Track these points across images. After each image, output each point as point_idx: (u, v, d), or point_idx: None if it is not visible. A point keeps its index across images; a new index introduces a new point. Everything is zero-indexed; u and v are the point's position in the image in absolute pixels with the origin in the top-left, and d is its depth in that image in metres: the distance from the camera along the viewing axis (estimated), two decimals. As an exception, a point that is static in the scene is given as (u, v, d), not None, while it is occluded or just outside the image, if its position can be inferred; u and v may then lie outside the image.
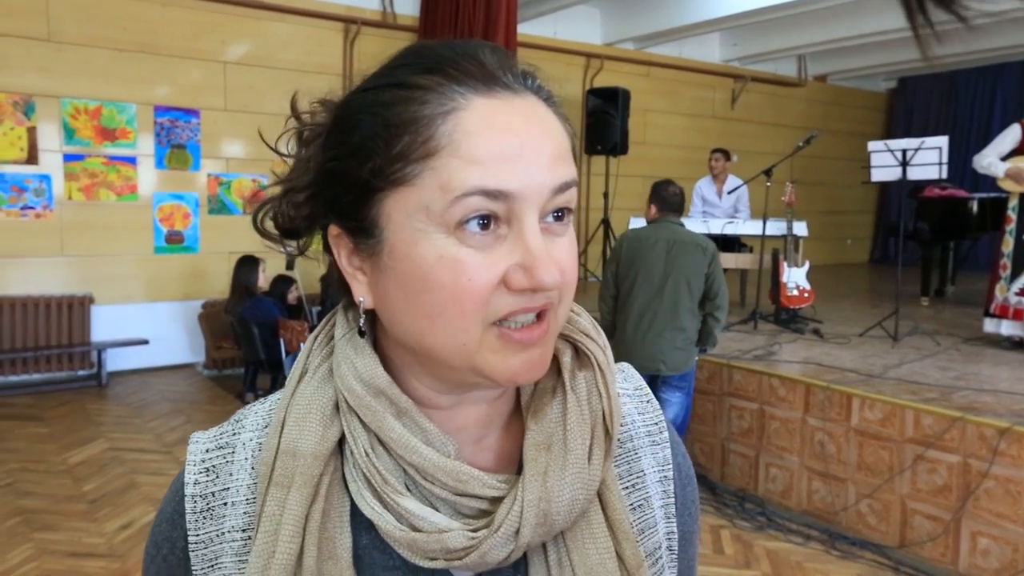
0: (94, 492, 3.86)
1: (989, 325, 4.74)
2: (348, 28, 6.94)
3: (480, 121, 0.50)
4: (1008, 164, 4.65)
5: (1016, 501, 2.95)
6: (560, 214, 0.53)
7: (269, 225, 0.60)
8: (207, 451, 0.59)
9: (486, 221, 0.50)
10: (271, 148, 0.62)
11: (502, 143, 0.49)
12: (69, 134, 5.85)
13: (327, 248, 0.58)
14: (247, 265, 5.65)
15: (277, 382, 5.41)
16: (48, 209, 5.83)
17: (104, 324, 6.05)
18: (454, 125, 0.50)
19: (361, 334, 0.57)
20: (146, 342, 6.10)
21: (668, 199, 3.66)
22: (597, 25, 8.64)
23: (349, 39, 6.96)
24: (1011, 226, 4.68)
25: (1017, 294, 4.59)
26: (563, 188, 0.52)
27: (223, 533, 0.56)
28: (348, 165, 0.53)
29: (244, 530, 0.56)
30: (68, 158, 5.87)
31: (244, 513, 0.56)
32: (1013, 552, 2.95)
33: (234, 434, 0.60)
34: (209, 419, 5.07)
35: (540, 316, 0.52)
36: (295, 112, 0.61)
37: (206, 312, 6.36)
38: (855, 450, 3.49)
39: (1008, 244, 4.69)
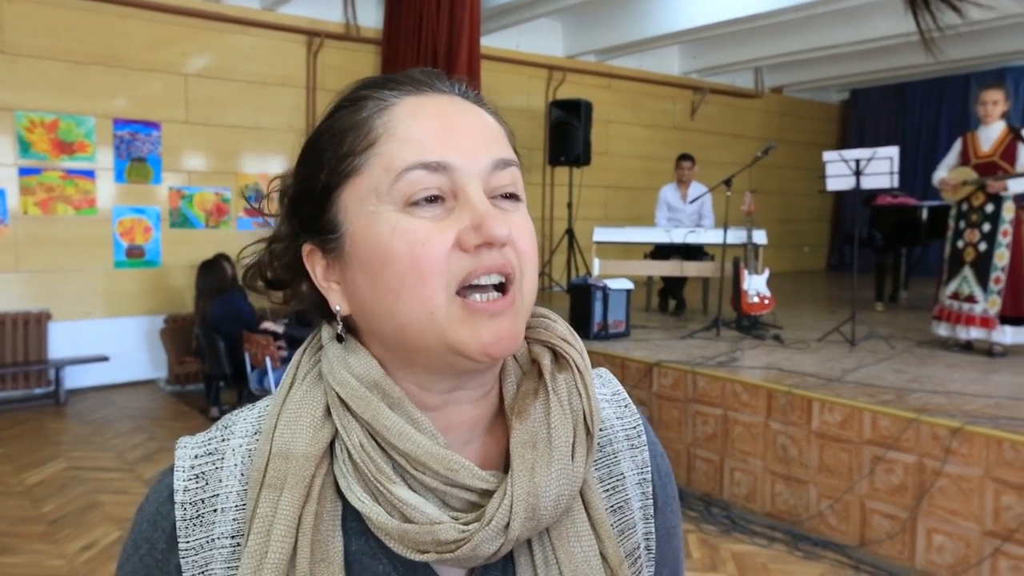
0: (54, 513, 3.77)
1: (934, 328, 4.95)
2: (311, 41, 6.92)
3: (412, 110, 0.56)
4: (943, 174, 4.84)
5: (968, 498, 3.07)
6: (508, 196, 0.57)
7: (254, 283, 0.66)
8: (196, 456, 0.59)
9: (434, 199, 0.54)
10: (259, 212, 0.67)
11: (434, 125, 0.55)
12: (24, 147, 5.72)
13: (304, 274, 0.61)
14: (212, 268, 5.57)
15: (242, 396, 5.34)
16: (2, 224, 5.69)
17: (62, 341, 5.91)
18: (389, 116, 0.56)
19: (339, 339, 0.59)
20: (106, 359, 5.98)
21: None
22: (559, 38, 8.75)
23: (312, 51, 6.94)
24: (949, 233, 4.88)
25: (950, 297, 4.78)
26: (502, 164, 0.56)
27: (213, 540, 0.57)
28: (308, 180, 0.58)
29: (233, 537, 0.57)
30: (24, 172, 5.74)
31: (233, 520, 0.57)
32: (966, 547, 3.06)
33: (223, 440, 0.60)
34: (172, 435, 4.99)
35: (505, 290, 0.55)
36: (281, 177, 0.66)
37: (168, 327, 6.25)
38: (816, 452, 3.58)
39: (946, 250, 4.90)
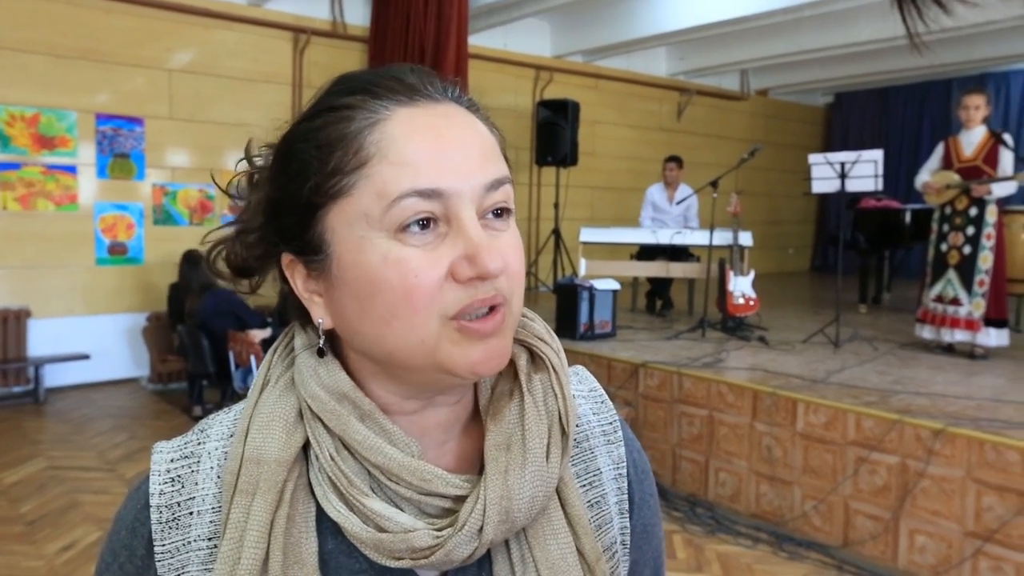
0: (32, 513, 3.71)
1: (918, 330, 4.98)
2: (297, 37, 6.88)
3: (405, 127, 0.53)
4: (926, 177, 4.88)
5: (950, 499, 3.09)
6: (499, 212, 0.55)
7: (222, 265, 0.63)
8: (172, 461, 0.59)
9: (425, 223, 0.52)
10: (225, 192, 0.65)
11: (428, 145, 0.52)
12: (4, 142, 5.63)
13: (283, 278, 0.60)
14: (197, 262, 5.49)
15: (226, 395, 5.30)
16: (-19, 219, 5.61)
17: (42, 339, 5.83)
18: (380, 134, 0.53)
19: (320, 354, 0.58)
20: (87, 357, 5.90)
21: None
22: (547, 38, 8.75)
23: (299, 48, 6.89)
24: (933, 236, 4.92)
25: (934, 300, 4.83)
26: (496, 184, 0.55)
27: (189, 542, 0.57)
28: (290, 190, 0.55)
29: (210, 539, 0.57)
30: (3, 167, 5.65)
31: (210, 522, 0.57)
32: (947, 548, 3.09)
33: (199, 444, 0.60)
34: (154, 434, 4.94)
35: (494, 308, 0.54)
36: (248, 157, 0.64)
37: (151, 325, 6.19)
38: (800, 453, 3.60)
39: (930, 253, 4.94)
